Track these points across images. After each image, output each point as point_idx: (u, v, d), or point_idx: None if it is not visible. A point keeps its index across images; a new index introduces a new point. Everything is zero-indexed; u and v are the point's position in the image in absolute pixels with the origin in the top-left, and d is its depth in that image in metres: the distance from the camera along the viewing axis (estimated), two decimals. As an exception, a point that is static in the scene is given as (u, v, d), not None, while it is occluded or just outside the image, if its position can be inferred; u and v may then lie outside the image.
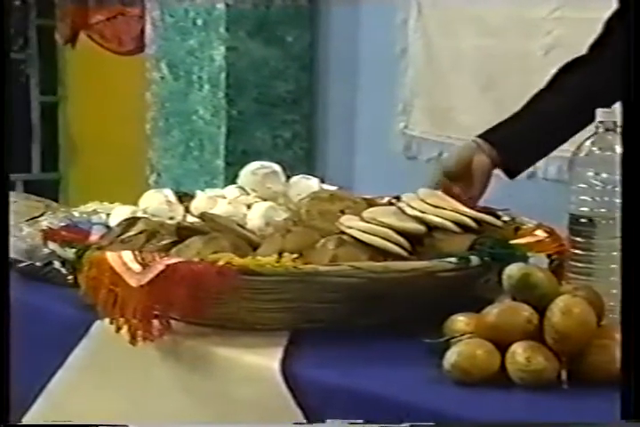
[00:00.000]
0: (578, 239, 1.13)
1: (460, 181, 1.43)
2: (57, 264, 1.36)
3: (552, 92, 1.56)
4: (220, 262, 1.11)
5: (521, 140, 1.51)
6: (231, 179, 2.15)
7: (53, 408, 1.31)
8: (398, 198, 1.45)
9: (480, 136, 1.51)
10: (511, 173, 1.53)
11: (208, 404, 1.13)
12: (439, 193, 1.33)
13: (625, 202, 0.95)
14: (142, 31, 3.25)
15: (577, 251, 1.13)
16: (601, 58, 1.54)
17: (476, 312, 1.08)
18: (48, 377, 1.30)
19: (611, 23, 1.54)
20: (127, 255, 1.16)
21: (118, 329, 1.15)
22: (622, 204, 0.95)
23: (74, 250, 1.24)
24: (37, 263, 1.41)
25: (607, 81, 1.48)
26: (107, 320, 1.17)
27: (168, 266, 1.11)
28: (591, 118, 1.59)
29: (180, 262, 1.12)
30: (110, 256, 1.16)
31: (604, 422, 0.92)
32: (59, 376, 1.29)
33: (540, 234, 1.26)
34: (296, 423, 1.04)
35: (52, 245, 1.32)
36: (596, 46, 1.58)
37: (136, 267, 1.14)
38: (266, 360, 1.08)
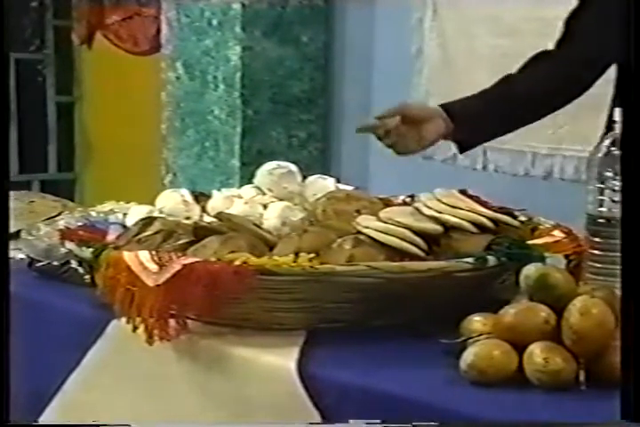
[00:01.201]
0: (596, 240, 1.12)
1: (410, 126, 1.47)
2: (74, 264, 1.36)
3: (520, 77, 1.61)
4: (237, 262, 1.11)
5: (478, 117, 1.55)
6: (247, 179, 2.16)
7: (70, 408, 1.31)
8: (413, 198, 1.45)
9: (442, 105, 1.55)
10: (461, 147, 1.58)
11: (224, 403, 1.13)
12: (456, 193, 1.32)
13: (625, 202, 0.95)
14: (158, 31, 3.26)
15: (595, 251, 1.12)
16: (564, 54, 1.61)
17: (493, 313, 1.07)
18: (64, 377, 1.30)
19: (570, 21, 1.61)
20: (144, 255, 1.16)
21: (135, 329, 1.15)
22: (622, 204, 0.95)
23: (91, 249, 1.24)
24: (55, 263, 1.42)
25: (569, 76, 1.58)
26: (123, 320, 1.17)
27: (185, 266, 1.11)
28: (551, 110, 1.65)
29: (196, 262, 1.12)
30: (127, 256, 1.16)
31: (604, 423, 0.91)
32: (75, 376, 1.29)
33: (558, 234, 1.26)
34: (312, 423, 1.04)
35: (69, 245, 1.32)
36: (561, 43, 1.63)
37: (153, 266, 1.14)
38: (282, 360, 1.08)
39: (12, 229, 1.64)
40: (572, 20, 1.63)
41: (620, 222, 1.02)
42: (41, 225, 1.53)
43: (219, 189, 1.50)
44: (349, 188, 1.46)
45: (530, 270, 1.05)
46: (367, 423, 0.98)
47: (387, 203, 1.40)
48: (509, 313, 1.02)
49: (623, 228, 0.96)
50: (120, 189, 3.17)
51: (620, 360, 0.92)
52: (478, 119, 1.56)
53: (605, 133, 1.58)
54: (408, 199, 1.47)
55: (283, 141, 2.78)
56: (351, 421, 0.99)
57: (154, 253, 1.16)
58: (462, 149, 1.60)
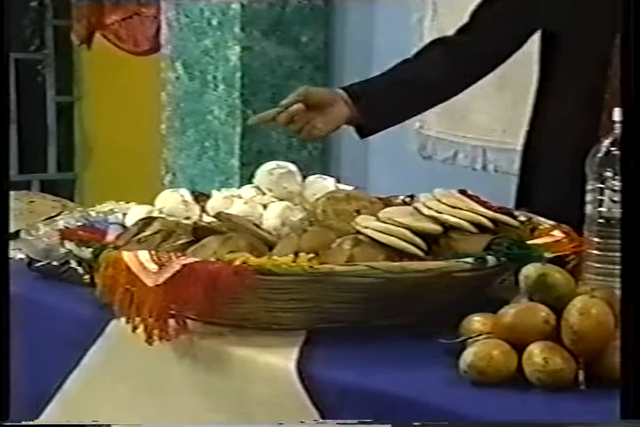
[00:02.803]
0: (596, 240, 1.12)
1: (314, 111, 1.47)
2: (74, 264, 1.36)
3: (415, 63, 1.65)
4: (237, 262, 1.11)
5: (379, 101, 1.57)
6: (246, 179, 2.16)
7: (69, 408, 1.31)
8: (413, 198, 1.45)
9: (344, 88, 1.57)
10: (362, 132, 1.60)
11: (224, 403, 1.13)
12: (456, 193, 1.32)
13: (625, 202, 0.95)
14: (157, 31, 3.26)
15: (595, 251, 1.12)
16: (464, 42, 1.65)
17: (493, 312, 1.07)
18: (64, 376, 1.30)
19: (477, 12, 1.66)
20: (143, 255, 1.16)
21: (134, 329, 1.15)
22: (622, 204, 0.95)
23: (90, 249, 1.24)
24: (54, 263, 1.42)
25: (465, 63, 1.63)
26: (123, 320, 1.17)
27: (184, 266, 1.11)
28: (447, 96, 1.68)
29: (196, 262, 1.12)
30: (127, 256, 1.16)
31: (605, 422, 0.91)
32: (75, 375, 1.29)
33: (557, 234, 1.26)
34: (315, 421, 1.04)
35: (68, 245, 1.33)
36: (462, 30, 1.68)
37: (152, 266, 1.14)
38: (282, 360, 1.08)
39: (12, 229, 1.64)
40: (477, 11, 1.67)
41: (620, 222, 1.02)
42: (40, 225, 1.53)
43: (218, 189, 1.50)
44: (349, 188, 1.46)
45: (529, 270, 1.05)
46: (360, 422, 0.98)
47: (387, 203, 1.40)
48: (509, 313, 1.03)
49: (623, 228, 0.96)
50: (120, 189, 3.17)
51: (620, 360, 0.92)
52: (379, 103, 1.57)
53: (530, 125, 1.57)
54: (408, 199, 1.47)
55: (283, 141, 2.77)
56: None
57: (153, 253, 1.16)
58: (363, 135, 1.61)
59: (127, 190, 2.42)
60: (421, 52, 1.68)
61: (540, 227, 1.32)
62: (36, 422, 1.32)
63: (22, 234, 1.53)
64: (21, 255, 1.53)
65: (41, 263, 1.43)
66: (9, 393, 1.04)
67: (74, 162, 4.03)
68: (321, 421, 1.03)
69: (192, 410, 1.17)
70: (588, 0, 1.59)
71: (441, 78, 1.63)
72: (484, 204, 1.31)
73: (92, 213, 1.51)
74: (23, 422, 1.24)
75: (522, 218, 1.35)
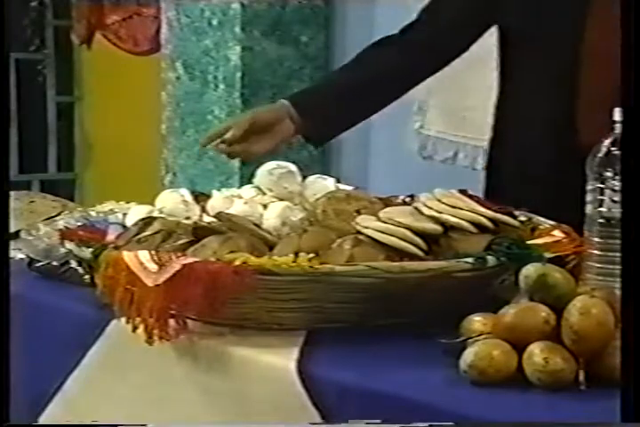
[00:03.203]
0: (596, 240, 1.12)
1: (261, 133, 1.49)
2: (74, 264, 1.36)
3: (356, 65, 1.64)
4: (237, 262, 1.11)
5: (325, 110, 1.57)
6: (246, 178, 2.16)
7: (69, 408, 1.31)
8: (413, 198, 1.45)
9: (290, 100, 1.56)
10: (311, 142, 1.62)
11: (224, 403, 1.13)
12: (456, 193, 1.32)
13: (625, 202, 0.95)
14: (158, 31, 3.25)
15: (595, 251, 1.12)
16: (408, 40, 1.65)
17: (493, 312, 1.07)
18: (64, 376, 1.30)
19: (424, 12, 1.67)
20: (144, 255, 1.16)
21: (135, 329, 1.15)
22: (622, 204, 0.95)
23: (91, 249, 1.24)
24: (54, 263, 1.42)
25: (412, 61, 1.62)
26: (123, 320, 1.17)
27: (184, 266, 1.11)
28: (396, 95, 1.66)
29: (196, 262, 1.12)
30: (127, 256, 1.16)
31: (605, 423, 0.91)
32: (75, 376, 1.29)
33: (558, 234, 1.26)
34: (312, 424, 1.04)
35: (69, 245, 1.33)
36: (406, 29, 1.69)
37: (152, 266, 1.14)
38: (282, 360, 1.08)
39: (12, 229, 1.64)
40: (425, 9, 1.68)
41: (620, 222, 1.02)
42: (41, 225, 1.53)
43: (219, 189, 1.50)
44: (349, 188, 1.46)
45: (529, 270, 1.05)
46: (367, 423, 0.98)
47: (387, 203, 1.40)
48: (509, 313, 1.02)
49: (623, 228, 0.96)
50: (120, 189, 3.17)
51: (620, 360, 0.92)
52: (325, 112, 1.57)
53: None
54: (408, 199, 1.47)
55: (282, 141, 2.77)
56: (355, 421, 0.99)
57: (153, 253, 1.16)
58: (315, 144, 1.62)
59: (127, 190, 2.42)
60: (363, 54, 1.66)
61: (541, 227, 1.32)
62: (36, 422, 1.32)
63: (22, 234, 1.53)
64: (22, 255, 1.53)
65: (41, 263, 1.43)
66: (9, 395, 1.04)
67: (74, 162, 4.03)
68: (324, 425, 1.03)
69: (192, 410, 1.17)
70: None
71: (385, 80, 1.61)
72: (484, 204, 1.31)
73: (93, 213, 1.51)
74: (23, 423, 1.24)
75: (522, 218, 1.34)
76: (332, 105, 1.58)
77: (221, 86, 2.78)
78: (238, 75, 2.73)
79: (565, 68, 1.57)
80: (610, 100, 1.56)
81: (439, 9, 1.67)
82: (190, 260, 1.13)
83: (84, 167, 4.00)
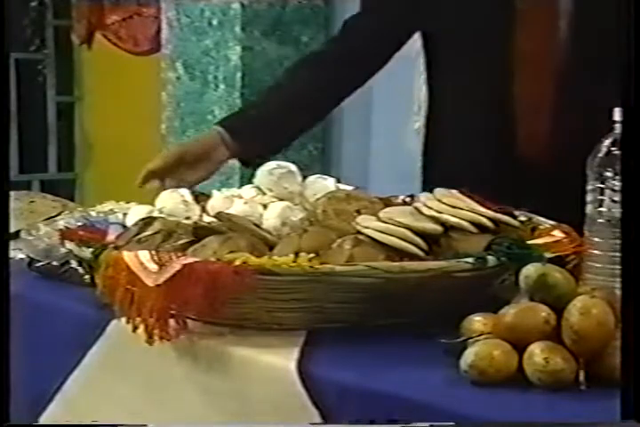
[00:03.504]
0: (596, 240, 1.12)
1: (194, 164, 1.50)
2: (74, 264, 1.36)
3: (285, 84, 1.66)
4: (237, 262, 1.11)
5: (257, 131, 1.58)
6: (246, 178, 2.16)
7: (69, 408, 1.31)
8: (413, 198, 1.45)
9: (221, 124, 1.58)
10: (248, 164, 1.61)
11: (224, 403, 1.13)
12: (456, 193, 1.32)
13: (625, 202, 0.95)
14: (158, 31, 3.26)
15: (595, 251, 1.12)
16: (333, 55, 1.66)
17: (493, 312, 1.07)
18: (64, 376, 1.30)
19: (347, 23, 1.68)
20: (144, 255, 1.16)
21: (135, 329, 1.15)
22: (622, 204, 0.95)
23: (91, 249, 1.24)
24: (54, 263, 1.42)
25: (340, 74, 1.63)
26: (123, 320, 1.17)
27: (184, 266, 1.11)
28: (327, 111, 1.70)
29: (196, 262, 1.12)
30: (127, 256, 1.16)
31: (605, 423, 0.91)
32: (75, 376, 1.29)
33: (558, 234, 1.26)
34: (312, 424, 1.04)
35: (69, 245, 1.33)
36: (330, 42, 1.72)
37: (152, 266, 1.14)
38: (282, 360, 1.08)
39: (13, 229, 1.64)
40: (348, 23, 1.68)
41: (620, 222, 1.02)
42: (41, 225, 1.53)
43: (219, 189, 1.50)
44: (349, 188, 1.46)
45: (529, 270, 1.05)
46: (370, 422, 0.98)
47: (387, 203, 1.40)
48: (509, 313, 1.02)
49: (623, 228, 0.96)
50: (120, 189, 3.16)
51: (620, 360, 0.92)
52: (258, 134, 1.58)
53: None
54: (408, 199, 1.47)
55: (283, 141, 2.77)
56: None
57: (154, 253, 1.16)
58: (249, 166, 1.61)
59: (127, 190, 2.42)
60: (290, 73, 1.68)
61: (541, 227, 1.32)
62: (36, 422, 1.32)
63: (22, 234, 1.53)
64: (22, 255, 1.53)
65: (41, 263, 1.43)
66: (9, 395, 1.03)
67: (74, 162, 4.03)
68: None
69: (192, 410, 1.17)
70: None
71: (315, 96, 1.62)
72: (483, 204, 1.30)
73: (93, 213, 1.51)
74: (23, 423, 1.24)
75: (522, 218, 1.34)
76: (263, 126, 1.59)
77: (221, 86, 2.78)
78: (238, 75, 2.73)
79: (496, 75, 1.57)
80: (546, 106, 1.60)
81: (360, 21, 1.68)
82: (190, 260, 1.12)
83: (84, 167, 4.00)
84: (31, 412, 1.34)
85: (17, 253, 1.56)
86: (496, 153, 1.61)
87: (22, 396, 1.36)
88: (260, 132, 1.58)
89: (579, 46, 1.56)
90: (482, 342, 1.02)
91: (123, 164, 3.68)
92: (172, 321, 1.13)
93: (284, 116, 1.61)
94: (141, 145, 3.42)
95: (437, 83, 1.69)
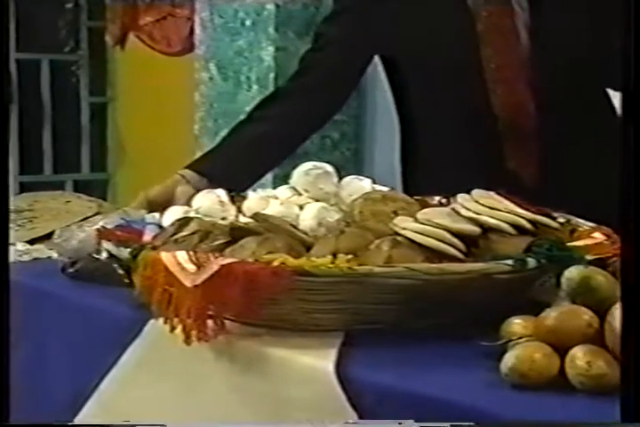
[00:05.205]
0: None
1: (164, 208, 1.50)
2: (111, 264, 1.36)
3: (251, 122, 1.70)
4: (275, 263, 1.10)
5: (228, 167, 1.62)
6: (279, 179, 2.16)
7: (105, 407, 1.32)
8: (448, 199, 1.44)
9: (188, 167, 1.62)
10: None
11: (261, 404, 1.13)
12: (493, 194, 1.31)
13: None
14: (191, 32, 3.27)
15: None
16: (295, 89, 1.70)
17: (532, 315, 1.06)
18: (101, 377, 1.31)
19: (305, 57, 1.71)
20: (182, 255, 1.16)
21: (172, 329, 1.15)
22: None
23: (129, 250, 1.24)
24: (91, 263, 1.42)
25: (308, 109, 1.67)
26: (160, 320, 1.17)
27: (222, 266, 1.11)
28: (299, 142, 1.74)
29: (234, 263, 1.12)
30: (165, 256, 1.16)
31: (605, 423, 0.90)
32: (111, 376, 1.30)
33: (598, 236, 1.24)
34: (347, 423, 1.04)
35: (106, 245, 1.33)
36: (294, 77, 1.73)
37: (190, 267, 1.14)
38: (320, 361, 1.08)
39: (49, 230, 1.66)
40: (306, 54, 1.72)
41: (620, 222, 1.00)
42: (74, 227, 1.54)
43: (254, 190, 1.50)
44: (385, 189, 1.45)
45: (572, 273, 1.04)
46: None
47: (423, 204, 1.39)
48: (551, 316, 1.01)
49: (623, 228, 0.95)
50: (152, 190, 3.17)
51: (621, 362, 0.91)
52: (227, 170, 1.60)
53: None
54: (444, 200, 1.46)
55: (315, 142, 2.77)
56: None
57: (191, 253, 1.16)
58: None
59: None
60: (253, 111, 1.71)
61: (580, 229, 1.30)
62: (74, 421, 1.33)
63: (55, 237, 1.53)
64: (56, 255, 1.54)
65: (75, 268, 1.44)
66: (9, 393, 1.04)
67: (107, 162, 4.06)
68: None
69: (228, 411, 1.17)
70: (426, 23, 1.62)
71: (285, 132, 1.65)
72: (520, 205, 1.29)
73: (130, 213, 1.52)
74: (23, 423, 1.24)
75: (560, 219, 1.33)
76: (233, 161, 1.63)
77: (254, 87, 2.78)
78: (271, 75, 2.73)
79: (469, 94, 1.61)
80: (525, 119, 1.61)
81: (320, 53, 1.70)
82: (229, 260, 1.12)
83: (116, 167, 4.02)
84: (68, 411, 1.34)
85: (53, 252, 1.57)
86: (481, 168, 1.64)
87: (59, 395, 1.37)
88: (229, 169, 1.61)
89: (547, 54, 1.61)
90: (522, 345, 1.01)
91: (155, 164, 3.70)
92: (209, 322, 1.13)
93: (257, 152, 1.65)
94: (174, 145, 3.44)
95: (408, 111, 1.73)
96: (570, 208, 1.33)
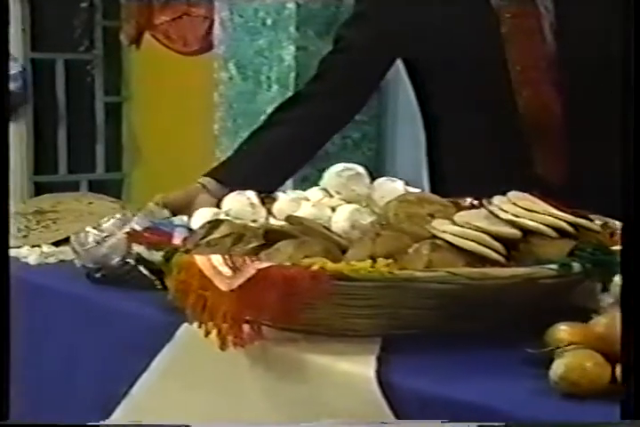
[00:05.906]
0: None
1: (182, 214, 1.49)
2: (140, 267, 1.34)
3: (271, 126, 1.67)
4: (314, 267, 1.08)
5: (249, 174, 1.60)
6: (300, 180, 2.13)
7: (136, 412, 1.30)
8: (480, 201, 1.41)
9: (208, 175, 1.60)
10: None
11: (297, 411, 1.11)
12: (529, 196, 1.29)
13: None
14: (207, 31, 3.26)
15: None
16: (316, 92, 1.68)
17: (575, 321, 1.04)
18: (132, 381, 1.29)
19: (325, 60, 1.69)
20: (216, 259, 1.13)
21: (207, 334, 1.13)
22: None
23: (161, 253, 1.22)
24: (119, 267, 1.40)
25: (328, 112, 1.65)
26: (193, 324, 1.15)
27: (260, 270, 1.09)
28: (319, 145, 1.71)
29: (271, 267, 1.10)
30: (199, 259, 1.14)
31: (605, 423, 0.89)
32: (143, 380, 1.28)
33: None
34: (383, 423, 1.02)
35: (136, 248, 1.31)
36: (313, 81, 1.71)
37: (226, 271, 1.11)
38: (360, 367, 1.06)
39: (74, 231, 1.63)
40: (326, 58, 1.70)
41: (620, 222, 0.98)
42: (90, 229, 1.52)
43: (284, 191, 1.48)
44: (417, 190, 1.43)
45: (622, 278, 1.01)
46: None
47: (456, 206, 1.37)
48: (601, 323, 0.99)
49: (623, 228, 0.93)
50: (167, 190, 3.16)
51: (621, 362, 0.89)
52: (248, 177, 1.58)
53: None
54: (475, 202, 1.44)
55: (337, 142, 2.75)
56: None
57: (227, 256, 1.13)
58: None
59: (175, 191, 2.41)
60: (270, 117, 1.69)
61: (619, 231, 1.28)
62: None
63: (74, 243, 1.50)
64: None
65: (101, 273, 1.42)
66: (8, 393, 1.02)
67: (122, 162, 4.04)
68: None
69: (264, 418, 1.14)
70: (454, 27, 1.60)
71: (305, 135, 1.63)
72: (558, 207, 1.27)
73: (156, 211, 1.50)
74: (23, 423, 1.22)
75: (598, 222, 1.31)
76: (253, 168, 1.61)
77: (275, 87, 2.76)
78: (292, 75, 2.71)
79: (494, 95, 1.60)
80: (552, 120, 1.59)
81: (338, 57, 1.68)
82: (266, 264, 1.10)
83: (131, 167, 4.01)
84: (98, 415, 1.32)
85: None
86: (508, 169, 1.62)
87: (90, 399, 1.35)
88: (249, 176, 1.59)
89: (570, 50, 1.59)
90: (572, 353, 0.98)
91: (170, 164, 3.69)
92: (246, 327, 1.11)
93: (278, 158, 1.63)
94: (191, 145, 3.42)
95: (436, 114, 1.71)
96: (599, 210, 1.30)
